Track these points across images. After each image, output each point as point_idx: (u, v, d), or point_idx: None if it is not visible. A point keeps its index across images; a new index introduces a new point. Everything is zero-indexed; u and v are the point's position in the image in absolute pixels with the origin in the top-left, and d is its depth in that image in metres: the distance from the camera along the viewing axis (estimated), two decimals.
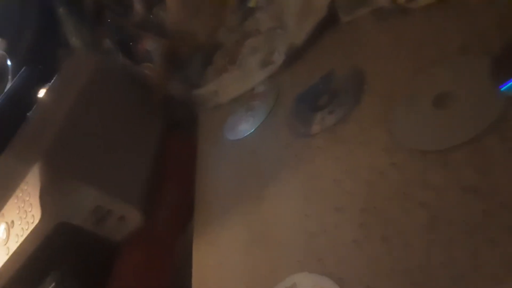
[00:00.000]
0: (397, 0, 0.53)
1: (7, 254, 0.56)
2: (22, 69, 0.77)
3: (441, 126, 0.42)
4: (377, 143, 0.46)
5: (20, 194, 0.55)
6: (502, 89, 0.38)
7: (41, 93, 0.76)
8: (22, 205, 0.54)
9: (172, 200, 0.67)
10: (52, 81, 0.75)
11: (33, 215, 0.53)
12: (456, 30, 0.47)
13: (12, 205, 0.57)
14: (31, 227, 0.54)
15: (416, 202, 0.39)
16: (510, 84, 0.38)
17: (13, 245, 0.56)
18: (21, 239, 0.55)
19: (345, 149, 0.48)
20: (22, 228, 0.55)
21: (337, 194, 0.46)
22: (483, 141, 0.37)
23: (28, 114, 0.71)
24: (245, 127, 0.64)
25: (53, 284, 0.57)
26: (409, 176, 0.41)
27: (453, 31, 0.47)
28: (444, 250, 0.35)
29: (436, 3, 0.50)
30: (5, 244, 0.57)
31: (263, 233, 0.49)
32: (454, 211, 0.36)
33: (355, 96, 0.52)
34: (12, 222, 0.57)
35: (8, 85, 0.78)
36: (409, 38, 0.51)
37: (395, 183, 0.42)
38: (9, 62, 0.83)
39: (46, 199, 0.53)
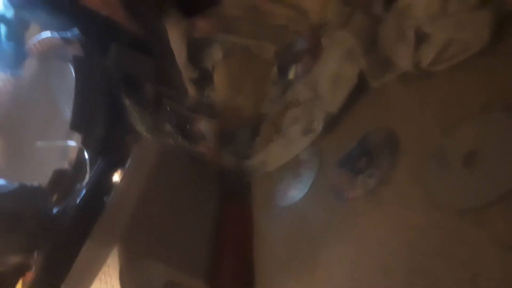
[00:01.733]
0: (421, 64, 0.57)
1: None
2: (99, 161, 0.88)
3: (473, 184, 0.44)
4: (415, 204, 0.48)
5: (103, 276, 0.62)
6: None
7: (116, 178, 0.86)
8: (105, 286, 0.62)
9: (233, 265, 0.72)
10: (125, 166, 0.85)
11: None
12: (478, 89, 0.50)
13: (96, 287, 0.64)
14: None
15: (457, 260, 0.41)
16: None
17: None
18: None
19: (386, 211, 0.51)
20: None
21: (384, 257, 0.48)
22: None
23: (106, 199, 0.80)
24: (294, 193, 0.68)
25: None
26: (448, 235, 0.43)
27: (475, 89, 0.50)
28: None
29: (458, 64, 0.53)
30: None
31: None
32: (492, 267, 0.38)
33: (391, 157, 0.55)
34: None
35: (87, 175, 0.89)
36: (435, 98, 0.54)
37: (437, 242, 0.44)
38: (86, 154, 0.95)
39: (126, 279, 0.60)
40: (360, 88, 0.66)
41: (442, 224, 0.44)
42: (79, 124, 1.01)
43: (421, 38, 0.58)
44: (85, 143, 0.96)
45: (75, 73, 1.11)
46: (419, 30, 0.58)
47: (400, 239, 0.47)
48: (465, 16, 0.53)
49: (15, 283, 0.79)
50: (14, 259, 0.73)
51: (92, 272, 0.63)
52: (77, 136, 1.02)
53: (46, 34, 1.19)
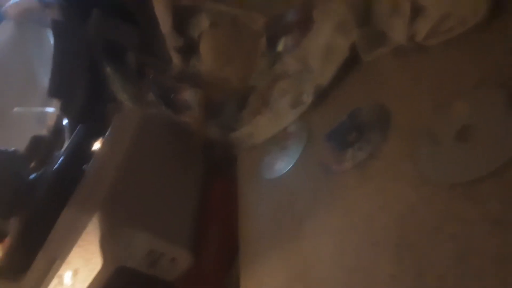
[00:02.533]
0: (415, 38, 0.56)
1: None
2: (78, 127, 0.85)
3: (465, 158, 0.43)
4: (406, 178, 0.48)
5: (83, 243, 0.61)
6: None
7: (96, 146, 0.84)
8: (85, 253, 0.60)
9: (218, 239, 0.72)
10: (106, 135, 0.83)
11: (95, 262, 0.59)
12: (473, 65, 0.49)
13: (76, 253, 0.63)
14: (94, 273, 0.59)
15: (446, 236, 0.41)
16: None
17: None
18: (85, 285, 0.61)
19: (376, 185, 0.51)
20: (86, 274, 0.61)
21: (372, 230, 0.48)
22: (506, 173, 0.39)
23: (85, 167, 0.78)
24: (280, 166, 0.67)
25: None
26: (438, 210, 0.43)
27: (470, 65, 0.49)
28: (476, 281, 0.36)
29: (453, 39, 0.53)
30: None
31: (303, 271, 0.52)
32: (483, 243, 0.38)
33: (381, 132, 0.54)
34: (77, 269, 0.63)
35: (66, 142, 0.87)
36: (429, 74, 0.53)
37: (426, 217, 0.43)
38: (65, 121, 0.93)
39: (106, 246, 0.58)
40: (352, 62, 0.64)
41: (432, 199, 0.44)
42: (58, 90, 0.98)
43: (416, 11, 0.57)
44: (64, 110, 0.93)
45: (54, 38, 1.07)
46: (414, 3, 0.57)
47: (388, 213, 0.47)
48: None
49: None
50: None
51: (71, 238, 0.61)
52: (56, 103, 0.99)
53: None
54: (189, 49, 0.91)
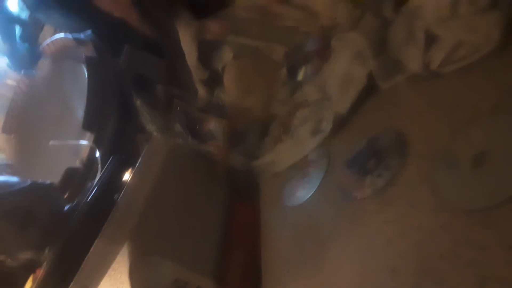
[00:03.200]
0: (430, 66, 0.57)
1: None
2: (110, 159, 0.89)
3: (482, 185, 0.44)
4: (423, 204, 0.48)
5: (113, 273, 0.63)
6: None
7: (127, 177, 0.87)
8: (115, 283, 0.63)
9: (241, 265, 0.72)
10: (136, 165, 0.86)
11: None
12: (488, 90, 0.50)
13: (106, 283, 0.65)
14: None
15: (465, 262, 0.41)
16: None
17: None
18: None
19: (395, 212, 0.51)
20: None
21: (392, 256, 0.48)
22: None
23: (116, 198, 0.81)
24: (302, 193, 0.69)
25: None
26: (456, 236, 0.43)
27: (485, 91, 0.50)
28: None
29: (467, 66, 0.53)
30: None
31: None
32: (501, 269, 0.37)
33: (399, 158, 0.55)
34: None
35: (98, 173, 0.91)
36: (444, 100, 0.54)
37: (444, 243, 0.44)
38: (97, 153, 0.97)
39: (135, 276, 0.61)
40: (369, 90, 0.66)
41: (449, 225, 0.44)
42: (91, 123, 1.02)
43: (430, 40, 0.58)
44: (97, 142, 0.97)
45: (88, 73, 1.13)
46: (429, 32, 0.58)
47: (408, 240, 0.48)
48: (475, 18, 0.53)
49: (26, 279, 0.80)
50: (25, 255, 0.74)
51: (102, 269, 0.64)
52: (89, 135, 1.04)
53: (60, 35, 1.21)
54: (214, 81, 0.95)
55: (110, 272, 0.63)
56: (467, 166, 0.46)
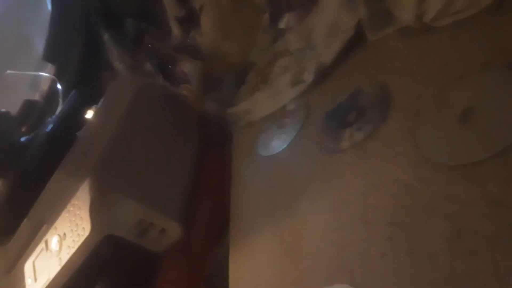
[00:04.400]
0: (423, 19, 0.55)
1: (60, 264, 0.61)
2: (72, 92, 0.83)
3: (467, 141, 0.43)
4: (404, 159, 0.47)
5: (72, 209, 0.60)
6: None
7: (89, 114, 0.82)
8: (74, 219, 0.59)
9: (209, 213, 0.71)
10: (99, 102, 0.81)
11: (83, 228, 0.58)
12: (479, 47, 0.48)
13: (64, 218, 0.62)
14: (82, 239, 0.58)
15: (441, 215, 0.40)
16: None
17: (65, 256, 0.61)
18: (72, 250, 0.60)
19: (372, 165, 0.50)
20: (73, 240, 0.60)
21: (365, 208, 0.47)
22: (509, 155, 0.38)
23: (77, 134, 0.77)
24: (277, 143, 0.67)
25: None
26: (435, 190, 0.42)
27: (476, 47, 0.48)
28: (468, 262, 0.36)
29: (460, 21, 0.51)
30: (58, 255, 0.62)
31: (295, 245, 0.52)
32: (479, 223, 0.37)
33: (382, 113, 0.53)
34: (64, 234, 0.62)
35: (59, 108, 0.85)
36: (434, 55, 0.52)
37: (421, 197, 0.43)
38: (59, 86, 0.91)
39: (95, 213, 0.57)
40: (356, 41, 0.63)
41: (429, 180, 0.43)
42: (53, 55, 0.95)
43: None
44: (59, 75, 0.91)
45: (52, 2, 1.04)
46: None
47: (383, 192, 0.47)
48: None
49: None
50: None
51: (60, 203, 0.60)
52: (50, 67, 0.97)
53: None
54: (190, 20, 0.89)
55: (68, 207, 0.59)
56: (453, 122, 0.45)
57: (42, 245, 0.66)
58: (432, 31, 0.54)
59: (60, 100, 0.86)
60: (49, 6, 1.05)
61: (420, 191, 0.43)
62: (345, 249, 0.47)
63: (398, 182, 0.46)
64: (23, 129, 0.81)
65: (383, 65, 0.59)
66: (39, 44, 1.05)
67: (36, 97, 0.91)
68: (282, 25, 0.80)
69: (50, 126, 0.76)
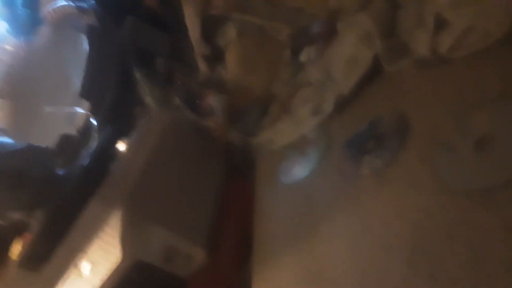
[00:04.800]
0: (438, 51, 0.57)
1: None
2: (106, 128, 0.89)
3: (483, 168, 0.43)
4: (423, 185, 0.48)
5: (104, 236, 0.63)
6: None
7: (122, 147, 0.87)
8: (105, 246, 0.62)
9: (233, 239, 0.73)
10: (132, 136, 0.86)
11: (114, 255, 0.61)
12: (495, 77, 0.49)
13: (96, 246, 0.64)
14: (113, 265, 0.61)
15: (461, 242, 0.41)
16: None
17: (97, 282, 0.64)
18: (104, 277, 0.63)
19: (392, 192, 0.51)
20: (104, 266, 0.63)
21: (387, 235, 0.48)
22: None
23: (111, 166, 0.81)
24: (299, 171, 0.68)
25: None
26: (454, 216, 0.43)
27: (492, 78, 0.49)
28: (488, 286, 0.36)
29: (475, 52, 0.53)
30: (91, 282, 0.65)
31: (317, 271, 0.53)
32: (498, 249, 0.38)
33: (400, 141, 0.55)
34: (96, 261, 0.64)
35: (94, 142, 0.90)
36: (450, 85, 0.54)
37: (441, 223, 0.44)
38: (93, 121, 0.96)
39: (126, 240, 0.60)
40: (374, 72, 0.65)
41: (448, 206, 0.44)
42: (89, 92, 1.02)
43: (440, 25, 0.57)
44: (93, 111, 0.96)
45: (89, 42, 1.12)
46: (439, 16, 0.58)
47: (404, 219, 0.48)
48: (487, 3, 0.53)
49: (12, 239, 0.80)
50: (15, 215, 0.74)
51: (92, 231, 0.63)
52: (86, 104, 1.03)
53: (62, 2, 1.19)
54: (216, 57, 0.94)
55: (100, 235, 0.62)
56: (469, 149, 0.46)
57: (75, 271, 0.68)
58: (448, 62, 0.56)
59: (95, 134, 0.91)
60: (86, 45, 1.13)
61: (440, 218, 0.44)
62: (367, 275, 0.47)
63: (418, 209, 0.47)
64: (60, 162, 0.86)
65: (401, 95, 0.60)
66: (77, 82, 1.11)
67: (73, 132, 0.96)
68: (303, 58, 0.84)
69: (86, 160, 0.80)
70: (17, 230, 0.76)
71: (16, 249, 0.77)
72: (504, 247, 0.37)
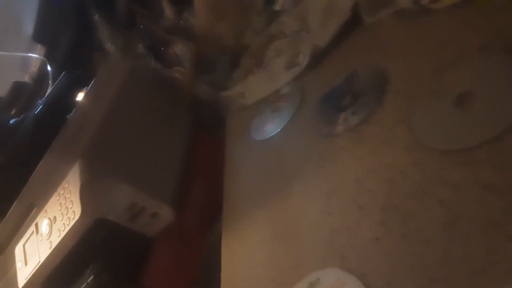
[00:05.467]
0: (420, 1, 0.54)
1: (50, 248, 0.61)
2: (62, 74, 0.82)
3: (462, 125, 0.42)
4: (398, 143, 0.47)
5: (62, 192, 0.59)
6: None
7: (80, 96, 0.81)
8: (64, 202, 0.58)
9: (201, 197, 0.71)
10: (90, 84, 0.80)
11: (73, 211, 0.57)
12: (477, 30, 0.47)
13: (54, 202, 0.61)
14: (72, 222, 0.58)
15: (436, 200, 0.40)
16: None
17: (56, 240, 0.60)
18: (62, 234, 0.59)
19: (367, 149, 0.50)
20: (64, 224, 0.59)
21: (359, 193, 0.47)
22: (504, 140, 0.38)
23: (67, 116, 0.76)
24: (271, 127, 0.66)
25: (91, 277, 0.61)
26: (430, 175, 0.42)
27: (474, 31, 0.48)
28: (462, 246, 0.36)
29: (458, 3, 0.51)
30: (48, 239, 0.62)
31: (288, 229, 0.52)
32: (473, 208, 0.37)
33: (377, 97, 0.53)
34: (55, 218, 0.61)
35: (49, 89, 0.83)
36: (431, 38, 0.52)
37: (416, 181, 0.43)
38: (49, 68, 0.89)
39: (86, 196, 0.57)
40: (352, 23, 0.62)
41: (423, 164, 0.43)
42: (43, 35, 0.93)
43: None
44: (48, 56, 0.89)
45: None
46: None
47: (377, 177, 0.46)
48: None
49: None
50: None
51: (50, 186, 0.59)
52: (40, 48, 0.95)
53: None
54: (183, 2, 0.87)
55: (59, 190, 0.58)
56: (448, 105, 0.44)
57: (32, 228, 0.65)
58: (429, 14, 0.53)
59: (50, 81, 0.84)
60: None
61: (415, 176, 0.43)
62: (338, 233, 0.46)
63: (392, 167, 0.46)
64: (13, 111, 0.79)
65: (379, 48, 0.58)
66: (29, 25, 1.02)
67: (26, 78, 0.89)
68: (277, 7, 0.79)
69: (39, 108, 0.74)
70: None
71: None
72: (479, 205, 0.37)
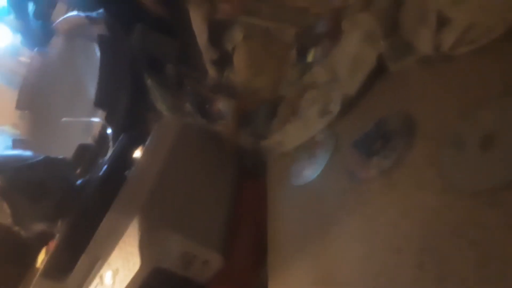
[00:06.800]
0: (441, 48, 0.57)
1: None
2: (121, 136, 0.91)
3: (488, 166, 0.44)
4: (429, 185, 0.49)
5: (123, 245, 0.65)
6: None
7: (137, 154, 0.89)
8: (125, 255, 0.65)
9: (249, 241, 0.74)
10: (146, 143, 0.88)
11: (134, 263, 0.64)
12: (499, 74, 0.49)
13: (116, 254, 0.67)
14: (133, 273, 0.64)
15: (468, 241, 0.41)
16: None
17: None
18: (124, 284, 0.65)
19: (400, 192, 0.52)
20: (125, 274, 0.65)
21: (395, 236, 0.49)
22: None
23: (127, 174, 0.84)
24: (308, 173, 0.69)
25: None
26: (461, 216, 0.43)
27: (496, 74, 0.49)
28: (495, 285, 0.37)
29: (479, 48, 0.53)
30: None
31: (329, 273, 0.54)
32: (504, 248, 0.38)
33: (406, 140, 0.55)
34: (117, 269, 0.67)
35: (110, 150, 0.93)
36: (454, 83, 0.54)
37: (448, 223, 0.44)
38: (109, 130, 0.99)
39: (144, 248, 0.63)
40: (379, 72, 0.65)
41: (454, 206, 0.45)
42: (103, 101, 1.04)
43: (442, 22, 0.57)
44: (108, 120, 0.99)
45: (100, 52, 1.14)
46: (441, 13, 0.57)
47: (412, 220, 0.48)
48: None
49: (39, 250, 0.83)
50: (38, 227, 0.77)
51: (113, 240, 0.66)
52: (101, 113, 1.06)
53: (72, 13, 1.22)
54: (224, 61, 0.95)
55: (120, 244, 0.65)
56: (474, 147, 0.46)
57: (97, 280, 0.71)
58: (451, 60, 0.56)
59: (111, 143, 0.93)
60: (98, 54, 1.16)
61: (447, 218, 0.45)
62: (378, 276, 0.48)
63: (425, 209, 0.48)
64: (78, 172, 0.89)
65: (406, 93, 0.61)
66: (91, 89, 1.14)
67: (89, 141, 0.99)
68: (309, 59, 0.84)
69: (104, 169, 0.83)
70: (42, 241, 0.80)
71: (42, 259, 0.81)
72: (509, 245, 0.38)
